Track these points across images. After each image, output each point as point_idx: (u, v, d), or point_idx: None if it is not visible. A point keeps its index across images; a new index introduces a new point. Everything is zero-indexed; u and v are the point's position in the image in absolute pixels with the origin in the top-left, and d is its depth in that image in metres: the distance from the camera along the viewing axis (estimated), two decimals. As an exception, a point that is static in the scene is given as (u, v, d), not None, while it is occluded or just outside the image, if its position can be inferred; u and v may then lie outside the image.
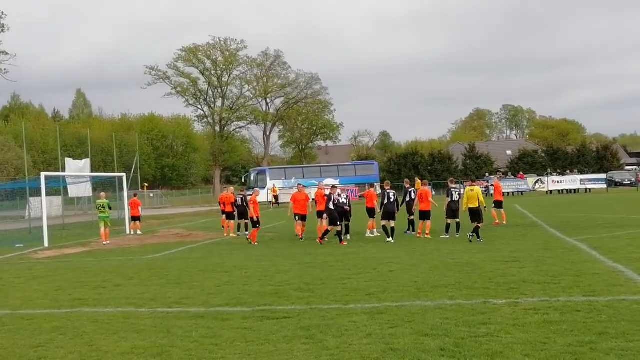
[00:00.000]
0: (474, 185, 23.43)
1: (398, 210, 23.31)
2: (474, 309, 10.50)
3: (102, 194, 29.76)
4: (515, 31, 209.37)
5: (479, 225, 21.73)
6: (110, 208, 28.24)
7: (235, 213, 29.20)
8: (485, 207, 23.00)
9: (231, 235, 28.59)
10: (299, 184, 27.89)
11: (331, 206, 23.45)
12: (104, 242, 27.25)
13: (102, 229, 27.81)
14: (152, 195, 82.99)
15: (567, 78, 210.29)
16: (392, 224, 22.89)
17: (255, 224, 24.98)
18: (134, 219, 33.66)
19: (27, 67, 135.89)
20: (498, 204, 29.03)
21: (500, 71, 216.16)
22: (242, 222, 29.16)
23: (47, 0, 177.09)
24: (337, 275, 14.93)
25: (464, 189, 23.69)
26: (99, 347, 9.11)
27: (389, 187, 23.89)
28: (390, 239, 22.46)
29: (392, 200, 23.10)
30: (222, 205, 29.95)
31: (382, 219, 23.10)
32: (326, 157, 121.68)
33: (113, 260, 20.92)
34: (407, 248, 20.39)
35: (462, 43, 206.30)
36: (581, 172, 71.70)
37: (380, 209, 23.34)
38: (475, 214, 22.09)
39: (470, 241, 21.07)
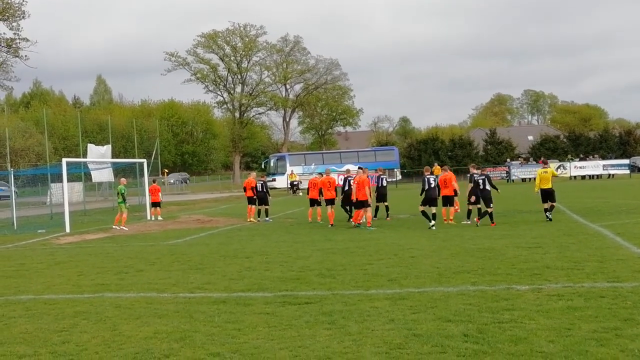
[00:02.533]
0: (547, 167, 23.83)
1: (439, 195, 22.66)
2: (497, 295, 10.43)
3: (122, 179, 29.92)
4: (537, 16, 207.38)
5: (554, 204, 22.62)
6: (122, 194, 28.20)
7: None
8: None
9: (251, 220, 28.60)
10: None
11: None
12: (114, 226, 27.50)
13: (118, 214, 28.33)
14: (172, 181, 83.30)
15: (590, 62, 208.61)
16: (434, 210, 22.22)
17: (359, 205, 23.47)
18: (154, 204, 33.77)
19: (49, 53, 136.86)
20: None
21: (522, 56, 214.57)
22: (262, 207, 29.17)
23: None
24: (358, 261, 14.90)
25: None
26: (122, 332, 9.15)
27: (429, 173, 23.17)
28: (433, 222, 21.79)
29: (432, 185, 22.39)
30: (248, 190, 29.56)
31: (421, 204, 22.55)
32: (346, 143, 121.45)
33: (134, 245, 21.02)
34: (427, 234, 20.31)
35: (484, 27, 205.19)
36: (604, 158, 71.03)
37: (421, 194, 22.83)
38: (550, 195, 22.56)
39: (549, 220, 22.01)
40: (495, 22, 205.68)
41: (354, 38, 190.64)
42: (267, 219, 28.68)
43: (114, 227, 27.54)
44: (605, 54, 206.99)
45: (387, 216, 26.35)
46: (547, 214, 22.35)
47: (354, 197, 23.65)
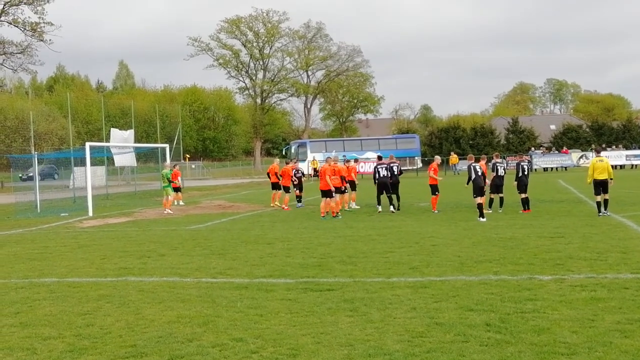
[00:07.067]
0: (602, 156, 22.25)
1: (485, 184, 21.82)
2: (520, 285, 10.40)
3: (166, 163, 30.14)
4: (562, 4, 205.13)
5: (607, 198, 20.97)
6: (168, 178, 28.94)
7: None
8: (611, 179, 21.29)
9: (275, 204, 28.46)
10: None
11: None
12: (164, 211, 27.73)
13: (164, 198, 28.75)
14: (193, 166, 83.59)
15: (613, 52, 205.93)
16: (482, 200, 21.27)
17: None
18: (175, 190, 33.65)
19: (73, 38, 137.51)
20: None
21: (546, 45, 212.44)
22: (298, 193, 28.96)
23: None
24: (379, 249, 14.90)
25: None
26: (145, 316, 9.23)
27: (473, 160, 22.49)
28: (485, 219, 20.53)
29: (479, 174, 21.56)
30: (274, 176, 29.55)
31: (474, 196, 21.44)
32: (366, 131, 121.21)
33: (157, 230, 21.13)
34: (448, 222, 20.25)
35: (509, 16, 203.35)
36: (627, 148, 70.30)
37: (467, 184, 22.09)
38: (605, 186, 20.95)
39: (602, 215, 20.39)
40: (521, 9, 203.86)
41: (380, 23, 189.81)
42: (299, 204, 28.41)
43: (164, 211, 27.66)
44: (629, 44, 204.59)
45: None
46: (603, 209, 20.63)
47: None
